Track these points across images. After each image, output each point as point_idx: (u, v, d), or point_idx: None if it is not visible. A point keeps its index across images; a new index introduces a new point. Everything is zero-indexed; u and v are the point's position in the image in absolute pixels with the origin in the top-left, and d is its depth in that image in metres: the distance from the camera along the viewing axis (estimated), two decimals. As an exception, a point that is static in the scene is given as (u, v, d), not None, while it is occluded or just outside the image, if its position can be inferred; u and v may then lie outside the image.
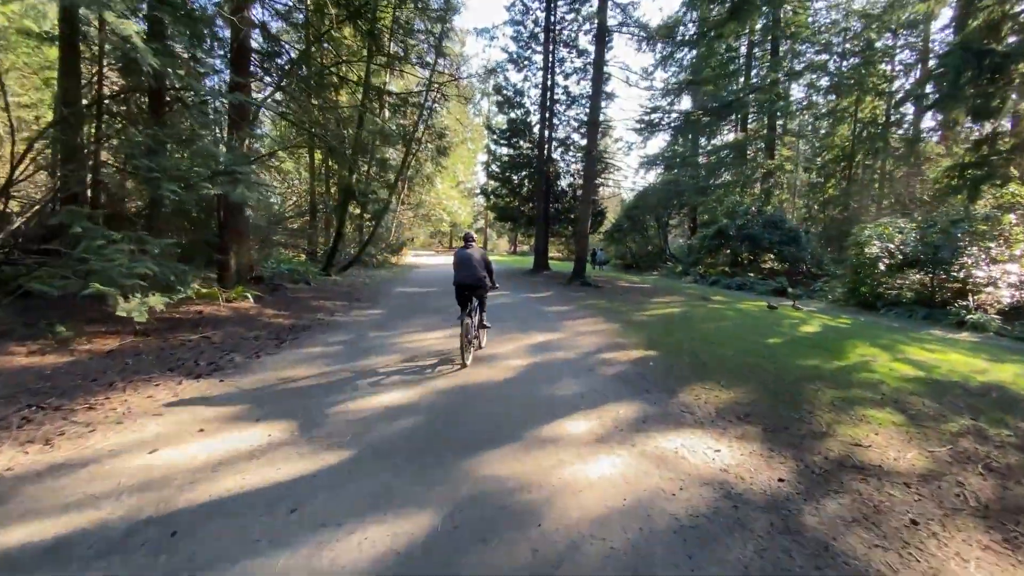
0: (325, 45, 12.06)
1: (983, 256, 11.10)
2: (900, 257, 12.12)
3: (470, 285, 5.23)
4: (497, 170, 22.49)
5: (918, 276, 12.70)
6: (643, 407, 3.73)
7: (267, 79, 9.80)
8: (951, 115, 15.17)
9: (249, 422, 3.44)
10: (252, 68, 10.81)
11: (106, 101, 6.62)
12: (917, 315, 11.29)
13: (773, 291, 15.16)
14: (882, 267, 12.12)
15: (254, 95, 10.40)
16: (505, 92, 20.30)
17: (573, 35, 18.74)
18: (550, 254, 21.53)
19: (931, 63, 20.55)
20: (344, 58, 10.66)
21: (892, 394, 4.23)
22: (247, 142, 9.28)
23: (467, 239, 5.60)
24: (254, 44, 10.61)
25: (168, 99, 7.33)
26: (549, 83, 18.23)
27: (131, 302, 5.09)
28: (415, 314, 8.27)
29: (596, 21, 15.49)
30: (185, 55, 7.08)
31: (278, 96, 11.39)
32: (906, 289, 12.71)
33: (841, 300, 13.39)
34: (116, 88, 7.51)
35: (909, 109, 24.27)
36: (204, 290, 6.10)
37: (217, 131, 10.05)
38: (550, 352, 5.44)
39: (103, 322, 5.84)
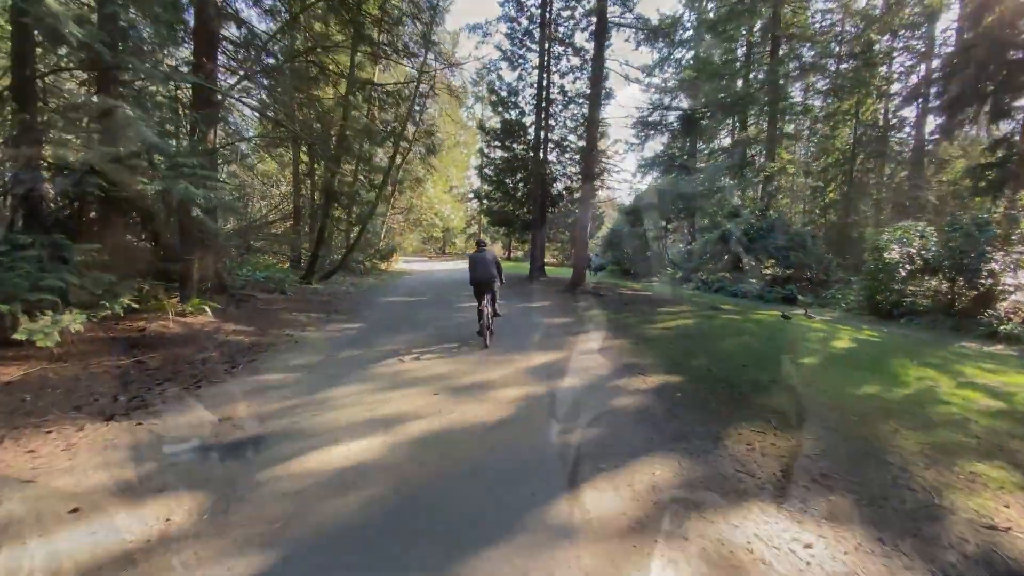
0: (306, 35, 11.18)
1: (1011, 261, 10.38)
2: (920, 263, 11.38)
3: (485, 281, 6.24)
4: (491, 173, 21.65)
5: (934, 283, 11.99)
6: (684, 465, 2.82)
7: (242, 72, 8.84)
8: (962, 116, 14.60)
9: (149, 494, 2.49)
10: (227, 59, 9.92)
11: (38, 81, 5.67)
12: (942, 325, 10.53)
13: (782, 299, 14.40)
14: (903, 273, 11.37)
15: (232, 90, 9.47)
16: (499, 92, 19.47)
17: (569, 32, 18.00)
18: (545, 259, 20.69)
19: (935, 63, 20.05)
20: (326, 45, 9.75)
21: (987, 436, 3.36)
22: (213, 135, 8.35)
23: (480, 244, 6.71)
24: (227, 34, 9.73)
25: (122, 82, 6.37)
26: (545, 82, 17.46)
27: (38, 321, 4.13)
28: (399, 328, 7.33)
29: (595, 17, 14.79)
30: (133, 33, 6.16)
31: (257, 91, 10.49)
32: (920, 297, 12.00)
33: (856, 308, 12.63)
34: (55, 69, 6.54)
35: (909, 113, 23.83)
36: (133, 304, 5.12)
37: (181, 125, 9.12)
38: (553, 379, 4.53)
39: (14, 345, 4.85)
